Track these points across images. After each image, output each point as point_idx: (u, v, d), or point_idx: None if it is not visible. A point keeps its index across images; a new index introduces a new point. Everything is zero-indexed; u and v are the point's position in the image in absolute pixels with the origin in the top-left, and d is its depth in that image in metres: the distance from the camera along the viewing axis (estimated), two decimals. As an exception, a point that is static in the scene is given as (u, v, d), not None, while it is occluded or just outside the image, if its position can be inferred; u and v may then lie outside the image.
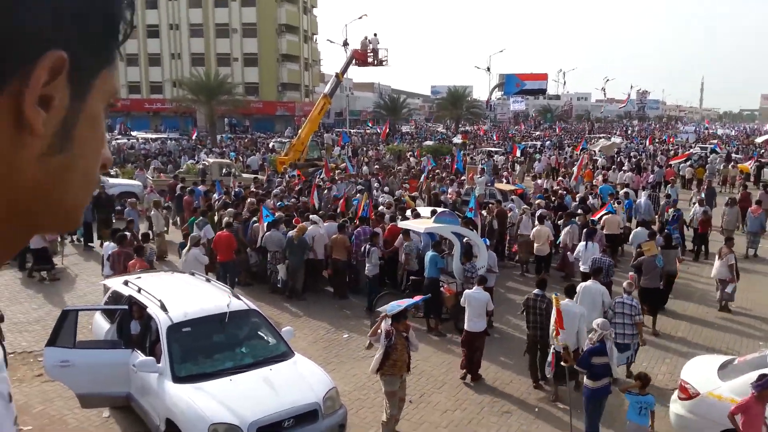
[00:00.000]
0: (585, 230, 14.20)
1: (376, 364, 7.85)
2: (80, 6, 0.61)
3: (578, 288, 10.29)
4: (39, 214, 0.65)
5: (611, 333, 8.22)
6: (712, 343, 11.59)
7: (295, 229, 13.69)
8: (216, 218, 16.02)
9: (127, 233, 13.30)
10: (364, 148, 46.07)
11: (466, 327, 9.93)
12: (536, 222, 15.45)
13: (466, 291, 10.37)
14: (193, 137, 49.53)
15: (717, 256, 13.58)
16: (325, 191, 20.68)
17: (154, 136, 51.11)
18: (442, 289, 12.03)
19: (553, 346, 8.74)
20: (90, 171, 0.70)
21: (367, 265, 13.11)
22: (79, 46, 0.61)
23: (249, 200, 17.47)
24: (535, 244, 15.14)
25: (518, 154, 37.55)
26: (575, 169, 26.08)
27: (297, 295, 13.69)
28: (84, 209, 0.73)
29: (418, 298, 9.16)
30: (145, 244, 12.80)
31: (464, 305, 10.07)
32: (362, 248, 13.58)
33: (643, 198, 20.07)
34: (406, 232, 13.43)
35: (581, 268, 13.48)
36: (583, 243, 13.75)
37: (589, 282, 10.43)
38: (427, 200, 20.92)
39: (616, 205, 17.64)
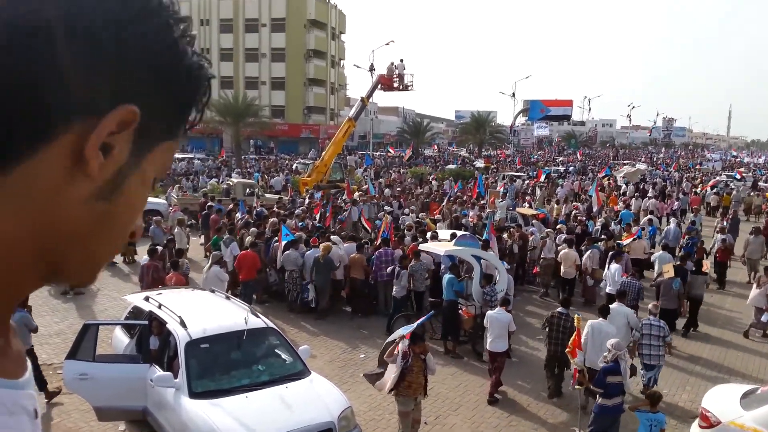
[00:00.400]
0: (610, 253, 14.26)
1: (391, 384, 7.81)
2: (171, 77, 0.66)
3: (587, 325, 10.05)
4: (66, 261, 0.66)
5: (625, 353, 8.23)
6: (736, 368, 11.40)
7: (321, 249, 13.80)
8: (238, 237, 16.18)
9: (157, 247, 13.72)
10: (388, 171, 46.26)
11: (488, 347, 9.99)
12: (563, 245, 15.55)
13: (489, 312, 10.39)
14: (221, 157, 50.29)
15: (755, 285, 13.69)
16: (346, 212, 20.82)
17: (181, 156, 51.98)
18: (460, 311, 11.98)
19: (574, 363, 8.70)
20: (125, 230, 0.71)
21: (395, 287, 13.13)
22: (154, 111, 0.64)
23: (272, 220, 17.67)
24: (562, 268, 15.10)
25: (542, 178, 37.42)
26: (594, 194, 25.91)
27: (323, 315, 13.75)
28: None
29: (424, 316, 9.11)
30: (180, 260, 13.08)
31: (486, 326, 10.11)
32: (384, 269, 13.67)
33: (672, 225, 20.13)
34: (417, 254, 13.49)
35: (607, 289, 13.48)
36: (610, 266, 13.81)
37: (615, 304, 10.50)
38: (448, 224, 20.91)
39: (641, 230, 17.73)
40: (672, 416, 9.28)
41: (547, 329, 10.06)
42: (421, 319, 8.63)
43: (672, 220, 21.36)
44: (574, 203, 26.73)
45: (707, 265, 15.06)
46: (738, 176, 45.23)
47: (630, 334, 10.08)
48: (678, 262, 13.92)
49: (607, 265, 14.00)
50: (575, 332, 8.84)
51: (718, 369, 11.46)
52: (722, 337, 13.29)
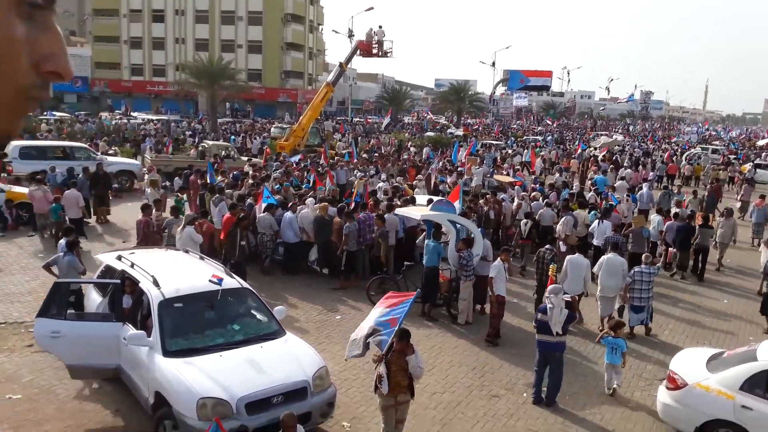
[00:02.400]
0: (602, 209, 16.04)
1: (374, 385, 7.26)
2: None
3: (601, 259, 11.95)
4: None
5: (554, 297, 8.74)
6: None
7: (319, 209, 14.21)
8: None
9: (149, 204, 14.57)
10: (367, 137, 46.01)
11: (565, 287, 10.55)
12: (544, 207, 16.68)
13: (568, 256, 11.68)
14: (203, 122, 49.41)
15: (764, 246, 14.73)
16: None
17: (155, 117, 51.01)
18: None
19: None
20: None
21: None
22: None
23: (249, 182, 17.56)
24: (541, 224, 16.09)
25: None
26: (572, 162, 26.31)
27: (345, 280, 13.77)
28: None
29: (409, 299, 7.78)
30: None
31: (566, 269, 11.38)
32: (367, 234, 13.83)
33: (645, 188, 21.55)
34: (381, 218, 13.85)
35: (594, 242, 14.98)
36: (597, 221, 15.23)
37: (611, 254, 11.82)
38: (428, 190, 20.88)
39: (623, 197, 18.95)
40: (665, 347, 9.57)
41: (536, 263, 12.14)
42: (406, 302, 7.54)
43: (645, 185, 22.40)
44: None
45: (714, 218, 17.09)
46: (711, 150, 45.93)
47: (623, 280, 11.41)
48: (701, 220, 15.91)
49: (598, 222, 15.18)
50: (552, 268, 11.22)
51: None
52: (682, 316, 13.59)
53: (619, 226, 14.93)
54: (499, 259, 11.11)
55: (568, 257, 11.67)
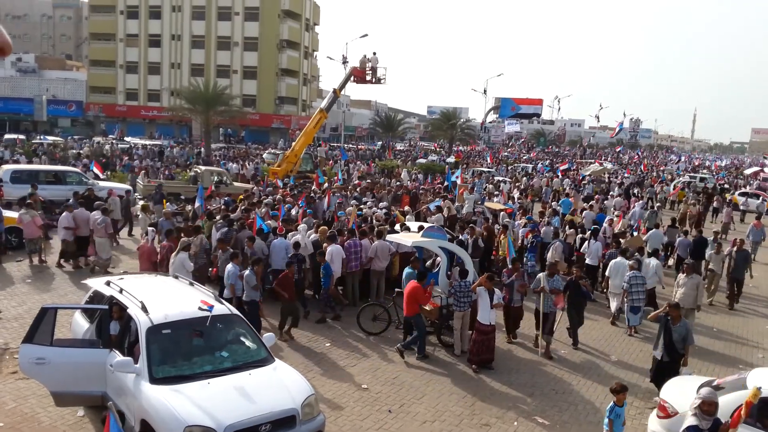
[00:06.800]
0: (591, 230, 17.02)
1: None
2: None
3: (611, 263, 14.17)
4: None
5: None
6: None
7: (318, 233, 14.48)
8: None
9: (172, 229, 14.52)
10: (358, 163, 46.19)
11: (610, 288, 14.18)
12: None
13: (612, 260, 14.11)
14: (202, 146, 49.42)
15: None
16: (317, 202, 20.69)
17: (149, 142, 51.11)
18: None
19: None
20: None
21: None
22: None
23: (240, 208, 17.59)
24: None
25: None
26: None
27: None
28: None
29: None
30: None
31: (609, 273, 14.11)
32: (354, 261, 13.84)
33: (636, 208, 24.17)
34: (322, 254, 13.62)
35: (588, 261, 15.94)
36: (587, 242, 16.26)
37: (619, 258, 14.09)
38: (422, 217, 20.91)
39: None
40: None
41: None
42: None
43: (638, 204, 24.75)
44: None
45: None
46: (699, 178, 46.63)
47: (656, 280, 14.31)
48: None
49: (588, 241, 16.30)
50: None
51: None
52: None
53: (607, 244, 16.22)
54: (480, 285, 11.07)
55: (612, 261, 14.18)
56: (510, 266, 12.75)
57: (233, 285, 11.57)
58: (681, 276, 13.31)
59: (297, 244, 13.59)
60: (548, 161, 60.27)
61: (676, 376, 9.24)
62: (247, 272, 11.30)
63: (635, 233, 18.81)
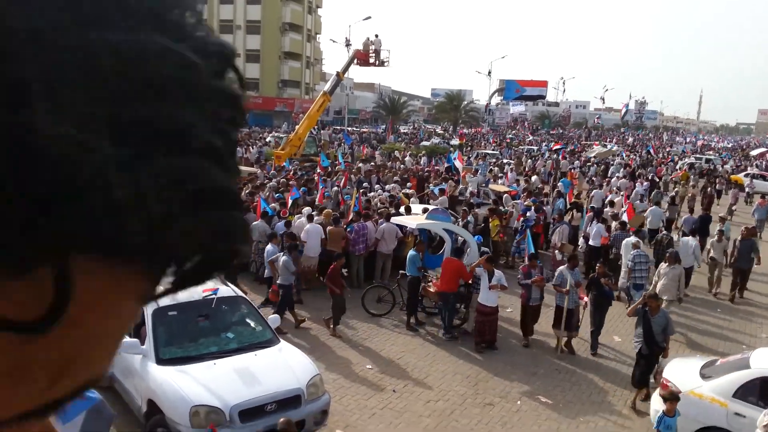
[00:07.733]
0: (593, 210, 17.12)
1: None
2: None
3: (624, 242, 14.07)
4: None
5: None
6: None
7: (323, 215, 14.38)
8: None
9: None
10: (361, 146, 46.06)
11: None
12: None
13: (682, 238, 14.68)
14: None
15: None
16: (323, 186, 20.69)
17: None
18: (431, 282, 12.08)
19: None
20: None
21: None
22: None
23: (243, 192, 17.59)
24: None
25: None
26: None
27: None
28: None
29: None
30: None
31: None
32: (360, 243, 13.86)
33: (639, 188, 24.87)
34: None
35: (590, 242, 15.63)
36: (590, 224, 16.18)
37: (689, 237, 14.75)
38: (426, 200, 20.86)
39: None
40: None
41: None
42: None
43: (638, 184, 25.35)
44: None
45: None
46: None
47: (693, 260, 14.14)
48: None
49: (588, 223, 16.28)
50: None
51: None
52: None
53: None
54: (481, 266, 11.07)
55: (625, 240, 14.07)
56: (527, 262, 12.26)
57: (273, 263, 12.05)
58: (663, 265, 12.55)
59: (293, 234, 13.17)
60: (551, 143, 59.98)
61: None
62: (284, 257, 11.53)
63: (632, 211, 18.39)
